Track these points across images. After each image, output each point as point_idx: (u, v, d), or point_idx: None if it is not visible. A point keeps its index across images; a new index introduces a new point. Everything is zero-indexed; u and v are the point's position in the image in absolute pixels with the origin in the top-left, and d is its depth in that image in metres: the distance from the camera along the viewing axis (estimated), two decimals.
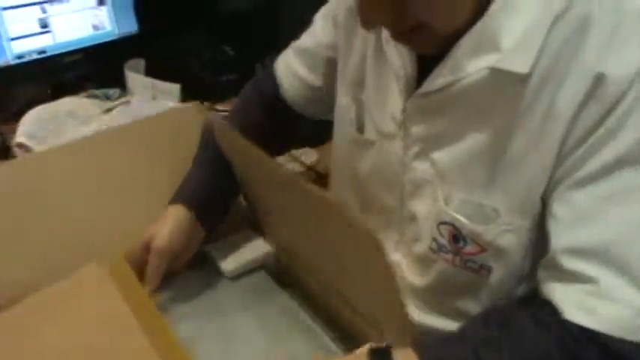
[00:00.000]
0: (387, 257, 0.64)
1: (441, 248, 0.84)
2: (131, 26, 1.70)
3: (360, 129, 0.93)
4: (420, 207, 0.86)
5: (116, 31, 1.67)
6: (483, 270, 0.81)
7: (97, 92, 1.63)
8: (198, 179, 1.02)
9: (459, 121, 0.78)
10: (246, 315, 0.94)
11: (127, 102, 1.62)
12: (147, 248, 0.93)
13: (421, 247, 0.87)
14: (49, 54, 1.58)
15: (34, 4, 1.51)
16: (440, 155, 0.81)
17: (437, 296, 0.89)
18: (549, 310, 0.69)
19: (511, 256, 0.79)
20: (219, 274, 1.01)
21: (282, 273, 1.04)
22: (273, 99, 1.08)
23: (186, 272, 1.00)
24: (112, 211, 1.03)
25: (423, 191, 0.84)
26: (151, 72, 1.69)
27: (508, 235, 0.77)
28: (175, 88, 1.62)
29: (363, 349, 0.72)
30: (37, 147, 1.39)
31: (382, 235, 0.95)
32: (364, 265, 0.72)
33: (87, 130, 1.47)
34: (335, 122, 1.02)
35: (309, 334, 0.91)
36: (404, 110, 0.83)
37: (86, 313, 0.83)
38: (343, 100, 0.96)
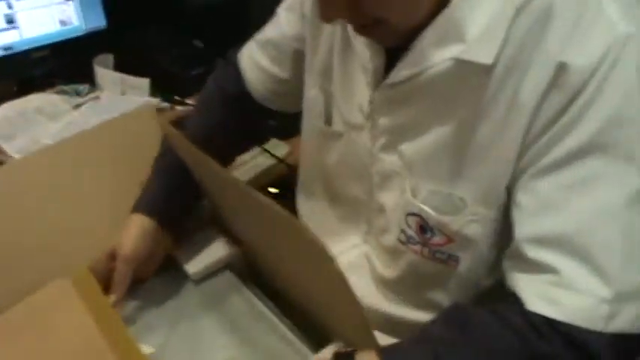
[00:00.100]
0: (338, 267, 0.63)
1: (409, 239, 0.84)
2: (99, 21, 1.67)
3: (328, 121, 0.93)
4: (388, 198, 0.86)
5: (84, 26, 1.65)
6: (451, 260, 0.82)
7: (66, 88, 1.60)
8: (158, 186, 1.00)
9: (425, 112, 0.78)
10: (212, 319, 0.94)
11: (97, 97, 1.60)
12: (112, 257, 0.93)
13: (390, 239, 0.87)
14: (15, 50, 1.55)
15: None
16: (407, 146, 0.81)
17: (407, 287, 0.90)
18: (513, 301, 0.69)
19: (478, 246, 0.79)
20: (184, 277, 1.01)
21: (248, 272, 1.03)
22: (237, 94, 1.07)
23: (151, 277, 1.00)
24: (81, 220, 1.02)
25: (391, 183, 0.85)
26: (120, 67, 1.66)
27: (474, 225, 0.77)
28: (145, 82, 1.60)
29: (327, 354, 0.74)
30: (4, 144, 1.37)
31: (351, 226, 0.95)
32: (318, 274, 0.71)
33: (57, 126, 1.46)
34: (303, 114, 1.01)
35: (277, 335, 0.91)
36: (371, 102, 0.83)
37: (51, 332, 0.82)
38: (311, 91, 0.96)
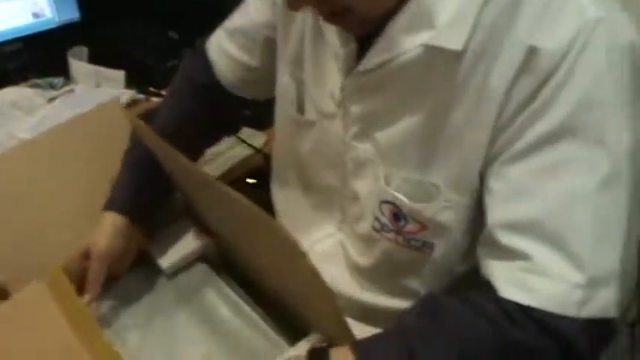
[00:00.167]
0: (311, 262, 0.63)
1: (383, 227, 0.84)
2: (72, 13, 1.66)
3: (301, 109, 0.92)
4: (362, 186, 0.86)
5: (57, 19, 1.63)
6: (426, 248, 0.81)
7: (40, 81, 1.59)
8: (127, 181, 0.99)
9: (396, 100, 0.77)
10: (188, 313, 0.94)
11: (71, 90, 1.59)
12: (86, 256, 0.92)
13: (364, 227, 0.87)
14: None
15: None
16: (379, 134, 0.80)
17: (382, 275, 0.89)
18: (486, 289, 0.69)
19: (452, 232, 0.79)
20: (158, 270, 1.00)
21: (222, 262, 1.03)
22: (206, 83, 1.05)
23: (125, 273, 0.99)
24: (56, 216, 1.01)
25: (365, 170, 0.84)
26: (95, 59, 1.65)
27: (447, 212, 0.77)
28: (120, 75, 1.59)
29: (301, 350, 0.74)
30: None
31: (325, 215, 0.95)
32: (291, 269, 0.71)
33: (32, 120, 1.45)
34: (276, 102, 1.00)
35: (253, 327, 0.90)
36: (342, 89, 0.82)
37: (26, 335, 0.81)
38: (283, 79, 0.95)
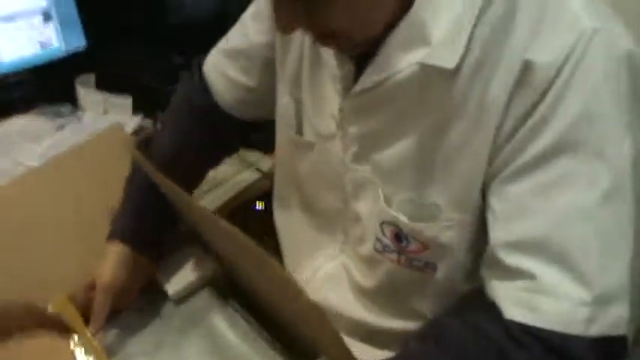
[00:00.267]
0: (310, 299, 0.62)
1: (385, 248, 0.82)
2: (79, 41, 1.66)
3: (300, 131, 0.92)
4: (363, 207, 0.85)
5: (64, 47, 1.64)
6: (428, 268, 0.80)
7: (48, 109, 1.60)
8: (129, 210, 0.99)
9: (394, 119, 0.76)
10: (195, 340, 0.93)
11: (79, 118, 1.59)
12: (92, 288, 0.92)
13: (366, 248, 0.86)
14: None
15: None
16: (378, 155, 0.79)
17: (386, 296, 0.88)
18: (491, 310, 0.67)
19: (454, 252, 0.78)
20: (165, 295, 1.00)
21: (229, 287, 1.02)
22: (204, 105, 1.04)
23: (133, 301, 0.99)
24: (60, 247, 1.00)
25: (365, 191, 0.83)
26: (102, 86, 1.66)
27: (449, 231, 0.76)
28: (127, 101, 1.59)
29: None
30: None
31: (327, 237, 0.94)
32: (292, 304, 0.70)
33: (40, 148, 1.44)
34: (277, 123, 0.99)
35: (261, 354, 0.90)
36: (341, 110, 0.81)
37: None
38: (284, 99, 0.94)
